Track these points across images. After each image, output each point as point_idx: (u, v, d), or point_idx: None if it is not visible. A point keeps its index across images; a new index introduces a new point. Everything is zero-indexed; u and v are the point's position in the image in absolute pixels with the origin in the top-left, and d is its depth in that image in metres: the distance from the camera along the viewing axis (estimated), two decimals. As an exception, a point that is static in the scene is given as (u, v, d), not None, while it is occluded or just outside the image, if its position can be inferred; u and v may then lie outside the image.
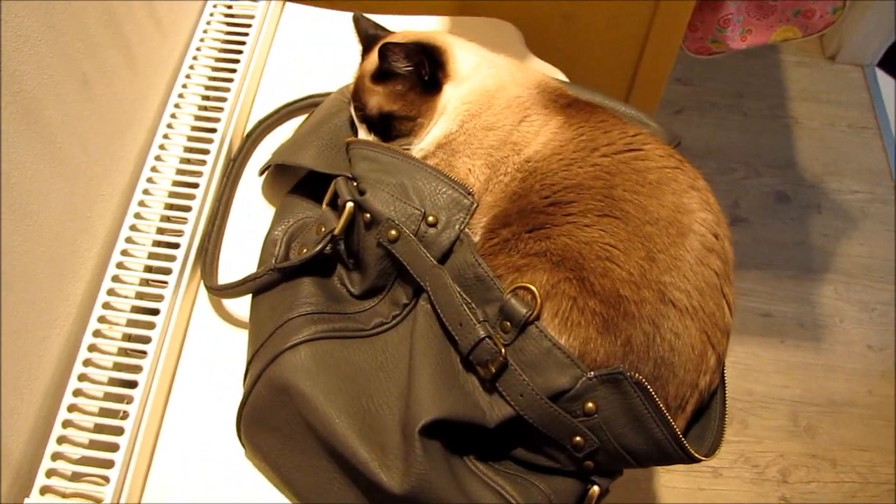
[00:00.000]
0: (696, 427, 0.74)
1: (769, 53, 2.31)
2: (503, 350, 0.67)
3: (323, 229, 0.77)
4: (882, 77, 2.24)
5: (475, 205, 0.76)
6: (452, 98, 0.82)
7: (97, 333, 0.81)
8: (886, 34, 2.17)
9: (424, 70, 0.81)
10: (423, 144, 0.82)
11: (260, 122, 0.99)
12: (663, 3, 1.12)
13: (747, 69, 2.26)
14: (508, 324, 0.68)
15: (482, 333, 0.67)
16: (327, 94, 0.97)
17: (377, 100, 0.83)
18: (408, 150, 0.82)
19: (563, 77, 1.02)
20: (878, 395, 1.76)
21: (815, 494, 1.63)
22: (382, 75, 0.82)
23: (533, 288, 0.68)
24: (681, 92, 2.20)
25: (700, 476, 1.65)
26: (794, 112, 2.19)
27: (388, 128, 0.83)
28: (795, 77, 2.26)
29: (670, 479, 1.64)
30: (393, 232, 0.73)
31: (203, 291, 0.88)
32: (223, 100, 0.98)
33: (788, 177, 2.06)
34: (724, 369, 0.75)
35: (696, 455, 0.67)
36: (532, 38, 1.11)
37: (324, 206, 0.80)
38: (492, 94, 0.81)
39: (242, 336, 0.83)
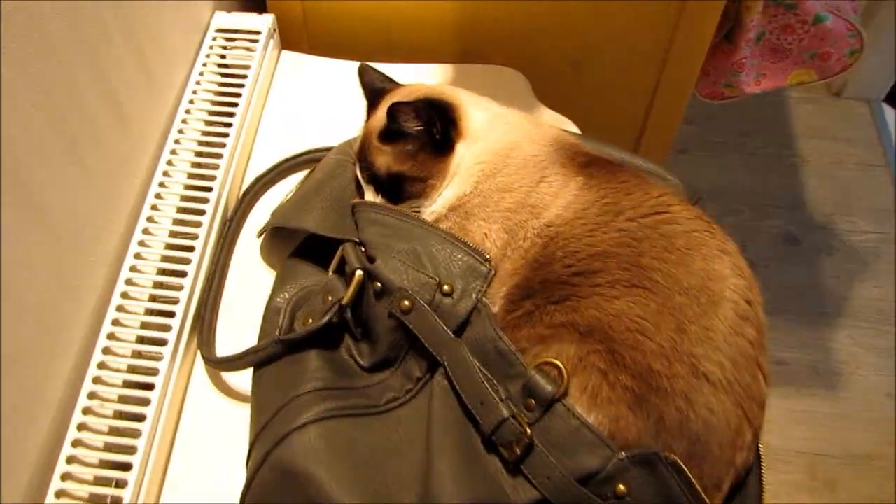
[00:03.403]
0: (731, 505, 0.72)
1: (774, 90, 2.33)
2: (528, 430, 0.65)
3: (330, 298, 0.76)
4: (889, 112, 2.26)
5: (493, 272, 0.75)
6: (465, 158, 0.81)
7: (87, 411, 0.78)
8: (892, 69, 2.19)
9: (436, 129, 0.81)
10: (434, 207, 0.82)
11: (257, 179, 0.98)
12: (675, 46, 1.13)
13: (752, 107, 2.27)
14: (533, 401, 0.66)
15: (505, 413, 0.66)
16: (328, 149, 0.97)
17: (385, 160, 0.82)
18: (418, 212, 0.82)
19: (573, 128, 1.02)
20: (900, 445, 1.74)
21: (836, 553, 1.61)
22: (391, 134, 0.82)
23: (559, 363, 0.67)
24: (685, 131, 2.20)
25: (716, 536, 1.62)
26: (802, 150, 2.20)
27: (398, 189, 0.82)
28: (801, 114, 2.28)
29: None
30: (406, 302, 0.72)
31: (200, 363, 0.86)
32: (218, 156, 0.97)
33: (797, 218, 2.06)
34: (759, 443, 0.73)
35: (734, 538, 0.65)
36: (540, 86, 1.11)
37: (330, 272, 0.79)
38: (507, 153, 0.81)
39: (244, 412, 0.81)
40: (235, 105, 1.02)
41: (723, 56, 1.27)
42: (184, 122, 1.00)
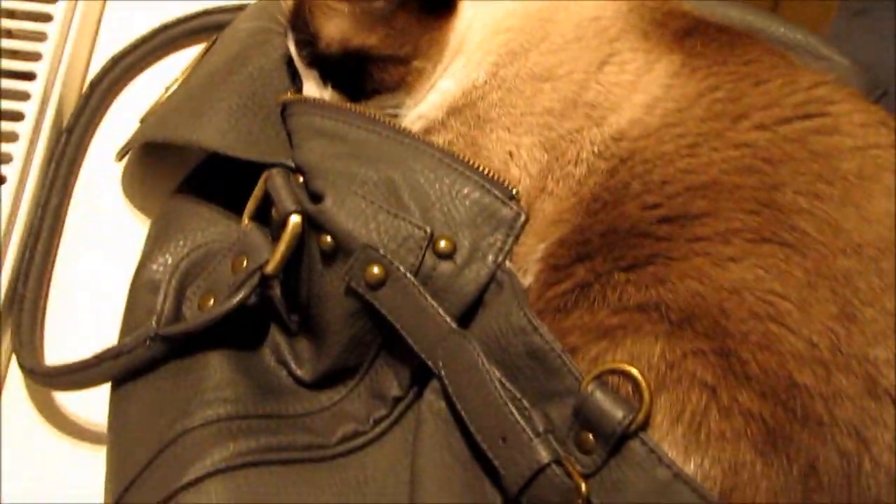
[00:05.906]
0: None
1: None
2: (583, 485, 0.68)
3: (245, 263, 0.78)
4: None
5: (523, 217, 0.77)
6: (476, 22, 0.83)
7: None
8: None
9: (425, -29, 0.82)
10: (423, 108, 0.84)
11: (114, 61, 1.01)
12: None
13: None
14: (591, 437, 0.69)
15: (544, 457, 0.68)
16: (237, 8, 1.00)
17: (339, 26, 0.84)
18: (395, 116, 0.84)
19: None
20: None
21: None
22: (348, -18, 0.83)
23: (633, 371, 0.69)
24: (864, -24, 2.22)
25: None
26: None
27: (361, 77, 0.84)
28: None
29: None
30: (376, 269, 0.75)
31: (16, 378, 0.89)
32: (44, 16, 0.99)
33: None
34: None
35: None
36: None
37: (245, 219, 0.82)
38: (547, 16, 0.83)
39: (96, 459, 0.84)
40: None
41: None
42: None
